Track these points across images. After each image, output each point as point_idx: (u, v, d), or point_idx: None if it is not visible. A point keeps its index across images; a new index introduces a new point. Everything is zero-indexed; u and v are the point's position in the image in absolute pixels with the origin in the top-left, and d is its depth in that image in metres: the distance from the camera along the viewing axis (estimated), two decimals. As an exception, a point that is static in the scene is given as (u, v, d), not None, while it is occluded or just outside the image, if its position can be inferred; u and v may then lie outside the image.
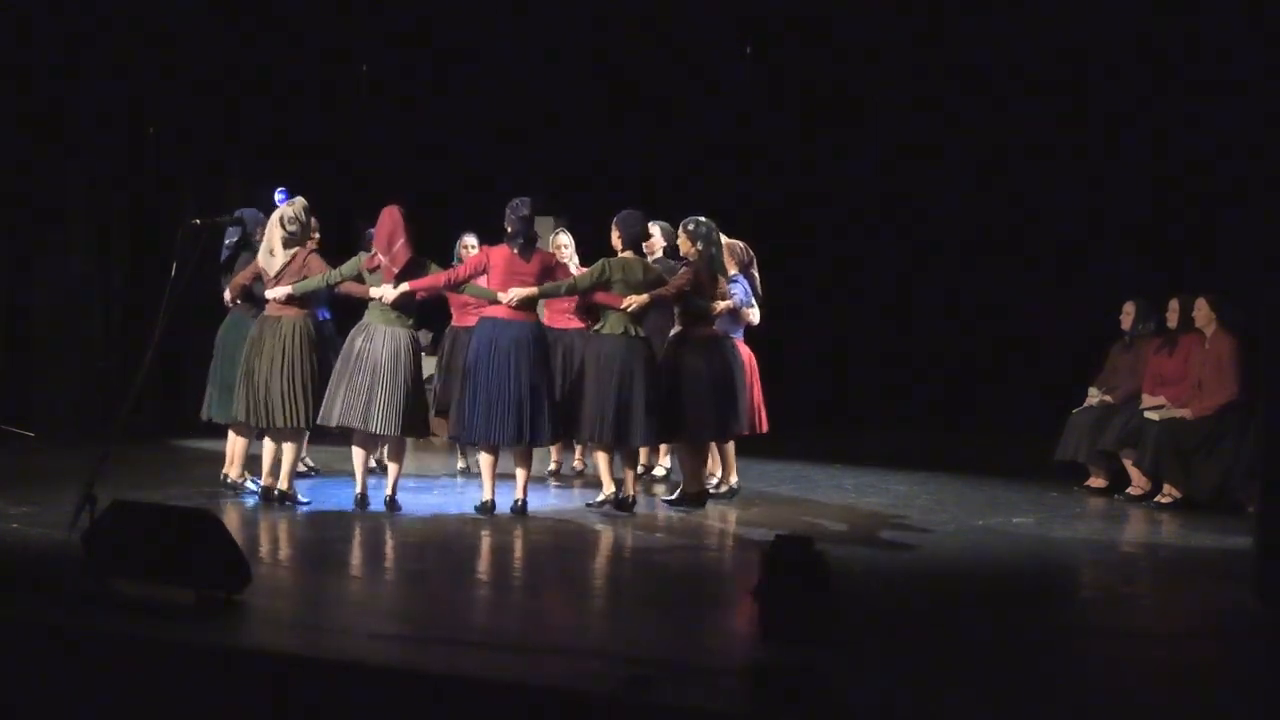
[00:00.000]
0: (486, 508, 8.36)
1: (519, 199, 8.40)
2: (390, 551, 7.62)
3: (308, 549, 7.67)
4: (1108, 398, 9.98)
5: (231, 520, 7.95)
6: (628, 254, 8.54)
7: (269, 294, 8.47)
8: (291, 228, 8.49)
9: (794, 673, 4.84)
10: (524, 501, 8.36)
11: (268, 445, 8.52)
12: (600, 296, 8.46)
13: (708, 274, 8.60)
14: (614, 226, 8.57)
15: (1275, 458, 6.38)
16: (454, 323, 9.90)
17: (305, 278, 8.43)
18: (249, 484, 8.83)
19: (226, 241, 9.11)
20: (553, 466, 10.11)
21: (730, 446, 9.09)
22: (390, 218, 8.32)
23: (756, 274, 9.14)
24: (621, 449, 8.52)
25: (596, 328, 8.55)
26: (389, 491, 8.39)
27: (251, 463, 8.88)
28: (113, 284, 12.40)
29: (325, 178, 11.82)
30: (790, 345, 10.13)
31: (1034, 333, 12.83)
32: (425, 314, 9.10)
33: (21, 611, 5.67)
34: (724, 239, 8.94)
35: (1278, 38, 8.33)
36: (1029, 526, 8.60)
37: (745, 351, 8.99)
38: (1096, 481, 10.01)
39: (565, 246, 9.70)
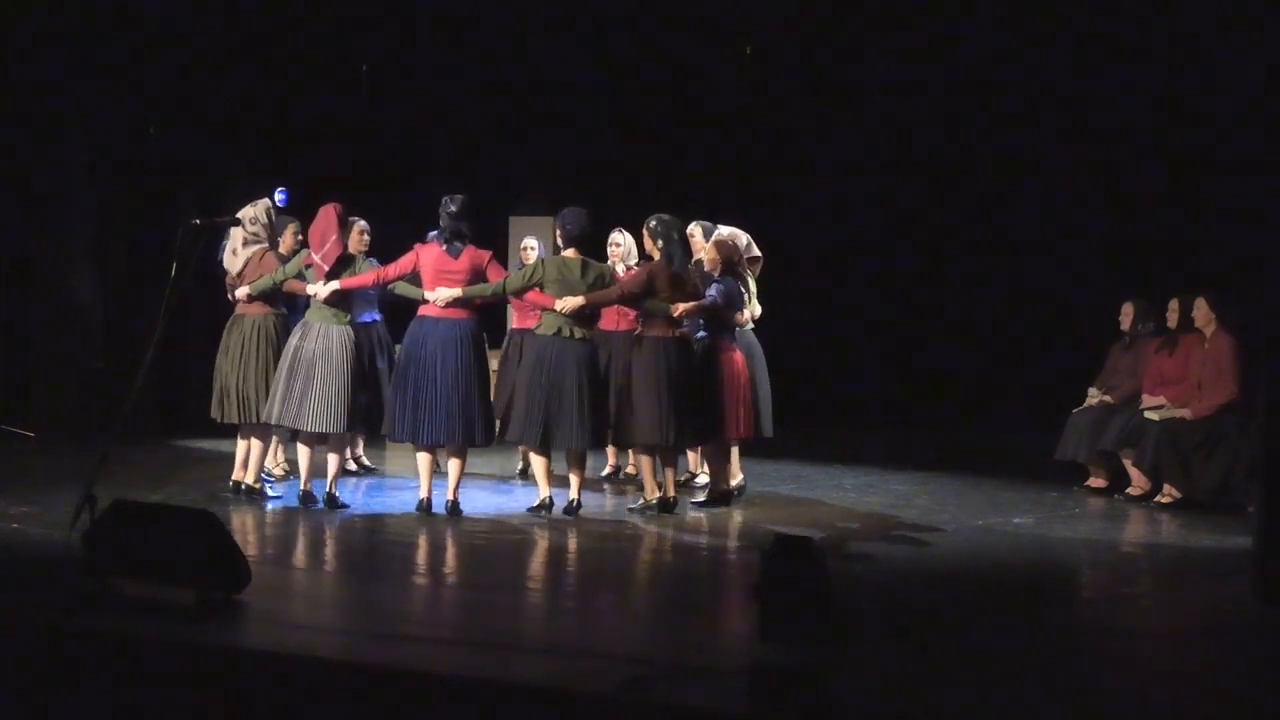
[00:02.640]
0: (423, 506, 8.31)
1: (449, 196, 8.31)
2: (390, 552, 7.62)
3: (309, 549, 7.68)
4: (1108, 398, 9.98)
5: (232, 520, 7.96)
6: (569, 252, 8.36)
7: (237, 293, 8.69)
8: (253, 228, 8.63)
9: (794, 673, 4.84)
10: (455, 501, 8.30)
11: (239, 441, 8.66)
12: (534, 297, 8.36)
13: (666, 274, 8.43)
14: (556, 224, 8.46)
15: (1275, 458, 6.38)
16: (514, 325, 9.79)
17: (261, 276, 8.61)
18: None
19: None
20: (608, 470, 9.94)
21: (734, 449, 8.98)
22: (325, 216, 8.37)
23: (747, 272, 8.91)
24: (551, 450, 8.36)
25: (534, 328, 8.56)
26: (331, 488, 8.42)
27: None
28: (112, 284, 12.39)
29: (325, 177, 11.82)
30: (790, 345, 10.12)
31: (1035, 333, 12.82)
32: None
33: (21, 611, 5.67)
34: (723, 234, 8.88)
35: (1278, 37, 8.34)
36: (1029, 526, 8.60)
37: (733, 355, 8.69)
38: (1096, 481, 10.01)
39: (619, 245, 9.49)
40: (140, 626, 5.49)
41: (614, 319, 9.09)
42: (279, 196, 8.96)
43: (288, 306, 8.75)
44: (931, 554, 7.70)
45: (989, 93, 12.55)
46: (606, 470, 9.94)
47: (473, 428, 8.20)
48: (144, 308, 11.32)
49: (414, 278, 8.36)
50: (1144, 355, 9.86)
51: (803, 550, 5.11)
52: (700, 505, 8.80)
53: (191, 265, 6.95)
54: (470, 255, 8.26)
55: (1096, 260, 12.50)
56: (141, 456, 9.95)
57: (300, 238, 8.78)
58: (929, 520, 8.66)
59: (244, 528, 7.91)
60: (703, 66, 12.91)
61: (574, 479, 8.41)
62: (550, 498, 8.35)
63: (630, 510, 8.56)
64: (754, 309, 9.05)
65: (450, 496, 8.30)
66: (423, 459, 8.35)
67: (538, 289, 8.30)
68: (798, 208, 13.39)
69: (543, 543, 7.87)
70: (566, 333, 8.27)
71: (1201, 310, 9.42)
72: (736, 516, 8.67)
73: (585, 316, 8.35)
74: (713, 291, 8.59)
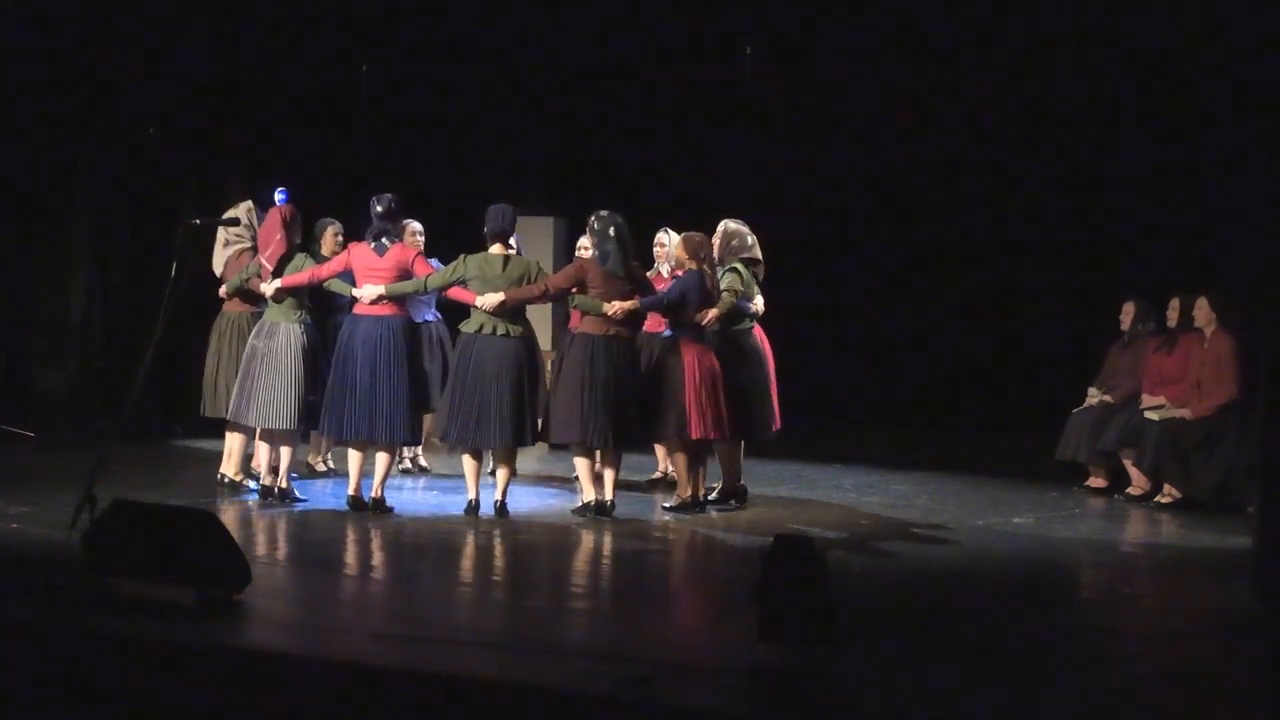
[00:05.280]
0: (354, 502, 8.35)
1: (376, 196, 8.40)
2: (390, 552, 7.62)
3: (308, 549, 7.68)
4: (1108, 398, 9.97)
5: (231, 520, 7.97)
6: (494, 249, 8.30)
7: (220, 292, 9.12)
8: (236, 229, 8.93)
9: (794, 673, 4.84)
10: (381, 499, 8.33)
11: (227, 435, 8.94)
12: (457, 293, 8.36)
13: (597, 271, 8.32)
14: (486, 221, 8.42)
15: (1275, 458, 6.38)
16: (570, 325, 9.67)
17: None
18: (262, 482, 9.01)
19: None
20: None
21: (730, 450, 8.83)
22: (272, 219, 8.57)
23: (724, 267, 8.70)
24: (475, 448, 8.34)
25: (460, 326, 8.56)
26: (283, 483, 8.55)
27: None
28: (113, 284, 12.39)
29: (325, 177, 11.83)
30: (789, 344, 10.12)
31: (1034, 333, 12.81)
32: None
33: (21, 611, 5.67)
34: (733, 232, 8.79)
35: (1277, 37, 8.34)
36: (1029, 526, 8.60)
37: (696, 354, 8.43)
38: (1096, 481, 10.01)
39: (664, 245, 9.43)
40: (140, 626, 5.49)
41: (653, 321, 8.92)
42: (279, 197, 8.98)
43: (326, 307, 8.84)
44: (931, 554, 7.70)
45: (989, 92, 12.53)
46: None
47: (391, 423, 8.24)
48: (144, 308, 11.34)
49: (348, 276, 8.44)
50: (1143, 355, 9.85)
51: (803, 550, 5.11)
52: (670, 509, 8.63)
53: (191, 265, 6.97)
54: (396, 253, 8.34)
55: (1098, 260, 12.49)
56: (141, 456, 9.95)
57: (340, 239, 8.85)
58: (929, 520, 8.66)
59: (244, 528, 7.91)
60: (704, 65, 12.91)
61: (500, 476, 8.35)
62: (477, 499, 8.33)
63: (573, 512, 8.43)
64: (756, 305, 8.98)
65: (375, 493, 8.34)
66: (351, 455, 8.43)
67: (460, 285, 8.31)
68: (799, 207, 13.38)
69: (542, 543, 7.87)
70: (489, 329, 8.23)
71: (1202, 310, 9.42)
72: (736, 517, 8.66)
73: (512, 313, 8.28)
74: (674, 289, 8.48)
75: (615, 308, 8.27)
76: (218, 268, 9.16)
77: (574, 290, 8.39)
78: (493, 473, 8.42)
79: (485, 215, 8.39)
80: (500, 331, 8.23)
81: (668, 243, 9.33)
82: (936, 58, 12.52)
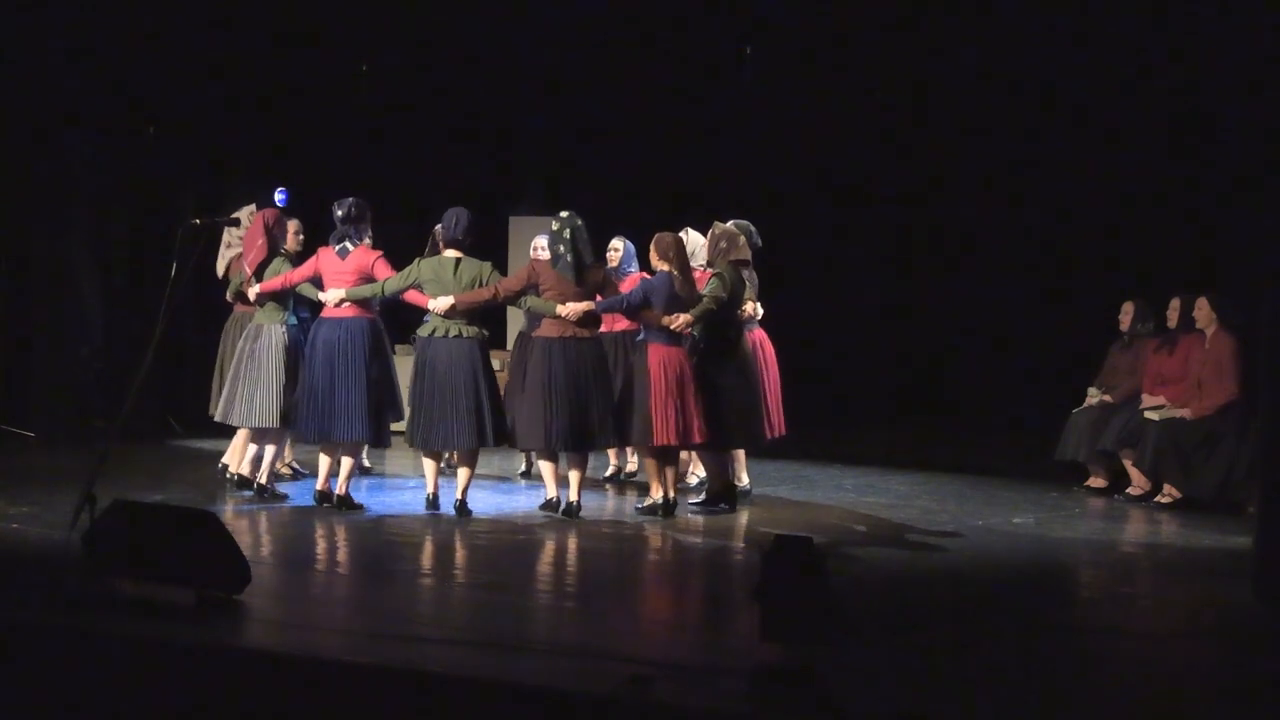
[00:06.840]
0: (320, 497, 8.46)
1: (338, 200, 8.48)
2: (391, 552, 7.62)
3: (307, 549, 7.68)
4: (1107, 397, 9.97)
5: (231, 520, 7.97)
6: (448, 252, 8.34)
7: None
8: (238, 232, 9.05)
9: (794, 673, 4.84)
10: (344, 496, 8.42)
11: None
12: (413, 296, 8.38)
13: (550, 273, 8.27)
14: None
15: (1275, 458, 6.38)
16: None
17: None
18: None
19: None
20: (610, 471, 9.88)
21: (715, 454, 8.76)
22: (255, 224, 8.69)
23: (686, 272, 8.49)
24: (436, 450, 8.42)
25: (418, 330, 8.58)
26: (262, 479, 8.69)
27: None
28: (113, 284, 12.38)
29: (325, 177, 11.80)
30: (789, 345, 10.11)
31: (1033, 333, 12.82)
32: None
33: (21, 611, 5.67)
34: (721, 233, 8.78)
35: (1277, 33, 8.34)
36: (1029, 526, 8.60)
37: (666, 358, 8.30)
38: (1096, 481, 10.01)
39: (617, 250, 9.52)
40: (140, 626, 5.49)
41: (608, 321, 8.91)
42: (279, 197, 9.02)
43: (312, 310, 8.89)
44: (931, 554, 7.70)
45: (989, 93, 12.54)
46: (609, 471, 9.91)
47: (348, 424, 8.31)
48: (144, 308, 11.33)
49: (318, 280, 8.53)
50: (1143, 355, 9.86)
51: (803, 551, 5.11)
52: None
53: (191, 265, 6.97)
54: (357, 256, 8.44)
55: (1096, 260, 12.49)
56: (141, 456, 9.95)
57: (301, 237, 8.85)
58: (929, 520, 8.66)
59: (244, 528, 7.91)
60: (704, 65, 12.92)
61: (461, 475, 8.38)
62: (435, 493, 8.40)
63: (540, 509, 8.46)
64: (749, 309, 8.93)
65: (339, 491, 8.42)
66: (322, 455, 8.56)
67: (416, 289, 8.34)
68: (799, 207, 13.39)
69: (543, 542, 7.87)
70: (441, 332, 8.26)
71: (1203, 310, 9.42)
72: (737, 517, 8.66)
73: (467, 315, 8.25)
74: (636, 291, 8.39)
75: (569, 309, 8.23)
76: (220, 270, 9.29)
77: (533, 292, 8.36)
78: (454, 469, 8.47)
79: (443, 220, 8.41)
80: (454, 333, 8.26)
81: (621, 248, 9.44)
82: (935, 54, 12.53)
